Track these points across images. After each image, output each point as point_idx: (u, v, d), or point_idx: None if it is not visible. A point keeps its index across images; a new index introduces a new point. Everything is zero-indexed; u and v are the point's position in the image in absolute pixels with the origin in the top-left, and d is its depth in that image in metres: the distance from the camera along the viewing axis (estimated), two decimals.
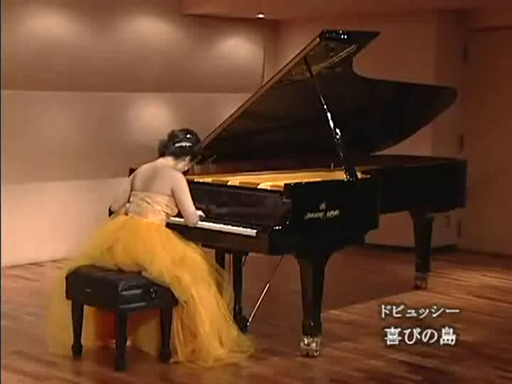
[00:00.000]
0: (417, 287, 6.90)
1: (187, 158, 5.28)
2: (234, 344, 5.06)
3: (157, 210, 5.11)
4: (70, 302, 5.07)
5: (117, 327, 4.90)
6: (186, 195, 5.13)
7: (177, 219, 5.22)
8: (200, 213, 5.21)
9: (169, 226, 5.18)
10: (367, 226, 5.37)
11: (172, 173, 5.18)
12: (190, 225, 5.15)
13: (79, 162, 7.97)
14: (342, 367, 5.01)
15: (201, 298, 4.94)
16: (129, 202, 5.26)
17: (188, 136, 5.27)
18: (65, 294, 5.09)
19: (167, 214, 5.15)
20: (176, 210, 5.19)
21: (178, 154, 5.24)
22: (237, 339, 5.08)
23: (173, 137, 5.27)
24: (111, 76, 8.03)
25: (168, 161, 5.24)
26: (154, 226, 5.08)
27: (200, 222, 5.18)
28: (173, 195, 5.12)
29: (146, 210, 5.12)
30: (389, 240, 8.09)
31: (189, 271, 4.95)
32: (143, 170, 5.27)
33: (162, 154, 5.27)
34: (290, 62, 5.34)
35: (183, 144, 5.24)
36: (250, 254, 5.51)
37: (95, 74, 7.92)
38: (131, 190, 5.26)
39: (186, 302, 4.91)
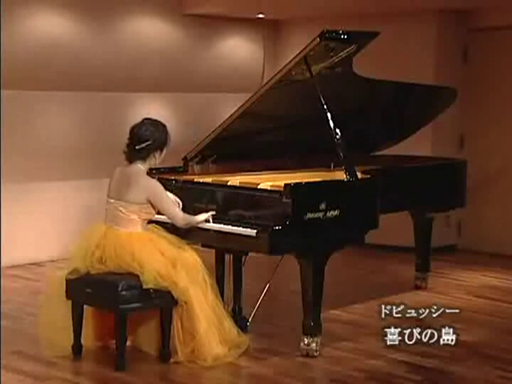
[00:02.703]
0: (417, 287, 6.90)
1: (156, 153, 5.12)
2: (233, 342, 5.06)
3: (133, 219, 5.05)
4: (67, 302, 5.05)
5: (117, 327, 4.89)
6: (166, 202, 5.08)
7: None
8: (208, 217, 5.19)
9: (167, 226, 5.19)
10: (367, 226, 5.37)
11: (145, 181, 5.07)
12: (183, 227, 5.16)
13: (79, 161, 7.96)
14: (341, 367, 5.00)
15: (198, 297, 4.94)
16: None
17: (145, 134, 5.06)
18: (60, 296, 5.06)
19: (144, 220, 5.09)
20: (153, 213, 5.12)
21: (145, 156, 5.10)
22: (236, 337, 5.08)
23: (132, 140, 5.09)
24: (111, 76, 8.03)
25: (139, 166, 5.11)
26: (134, 235, 5.01)
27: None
28: (151, 204, 5.05)
29: (122, 221, 5.05)
30: (389, 240, 8.09)
31: (184, 272, 4.93)
32: (117, 175, 5.17)
33: (130, 161, 5.14)
34: (290, 62, 5.34)
35: (143, 145, 5.06)
36: (250, 253, 5.51)
37: (95, 74, 7.91)
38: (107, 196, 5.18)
39: (185, 302, 4.91)
